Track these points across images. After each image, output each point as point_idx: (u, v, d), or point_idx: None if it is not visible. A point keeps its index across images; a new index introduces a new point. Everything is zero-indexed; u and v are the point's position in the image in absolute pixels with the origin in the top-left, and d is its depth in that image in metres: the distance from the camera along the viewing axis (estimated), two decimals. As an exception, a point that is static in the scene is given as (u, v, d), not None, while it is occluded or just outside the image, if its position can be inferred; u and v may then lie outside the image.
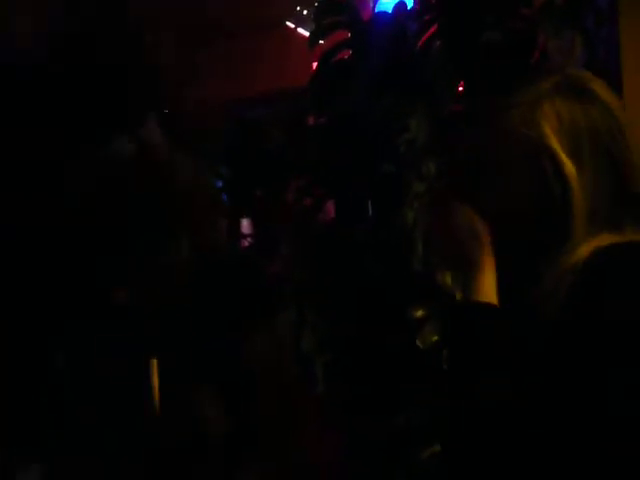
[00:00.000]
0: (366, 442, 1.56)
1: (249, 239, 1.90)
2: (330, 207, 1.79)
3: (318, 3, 1.50)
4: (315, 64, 1.72)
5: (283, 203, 1.85)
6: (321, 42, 1.62)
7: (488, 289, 0.79)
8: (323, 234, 1.76)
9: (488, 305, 0.78)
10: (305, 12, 2.34)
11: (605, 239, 0.75)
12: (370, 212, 1.67)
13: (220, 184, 1.86)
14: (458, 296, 1.34)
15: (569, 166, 0.75)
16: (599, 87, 0.79)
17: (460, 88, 1.66)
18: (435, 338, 1.43)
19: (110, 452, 1.05)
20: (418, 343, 1.45)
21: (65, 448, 1.02)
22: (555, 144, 0.76)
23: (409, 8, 1.77)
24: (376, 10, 2.43)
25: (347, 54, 1.59)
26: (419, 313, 1.48)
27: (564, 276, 0.74)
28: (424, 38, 1.70)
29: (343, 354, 1.58)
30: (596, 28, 1.50)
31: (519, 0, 1.56)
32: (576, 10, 1.48)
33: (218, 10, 3.54)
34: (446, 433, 0.83)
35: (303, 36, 2.39)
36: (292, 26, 2.44)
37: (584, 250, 0.74)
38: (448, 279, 1.41)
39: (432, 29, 1.70)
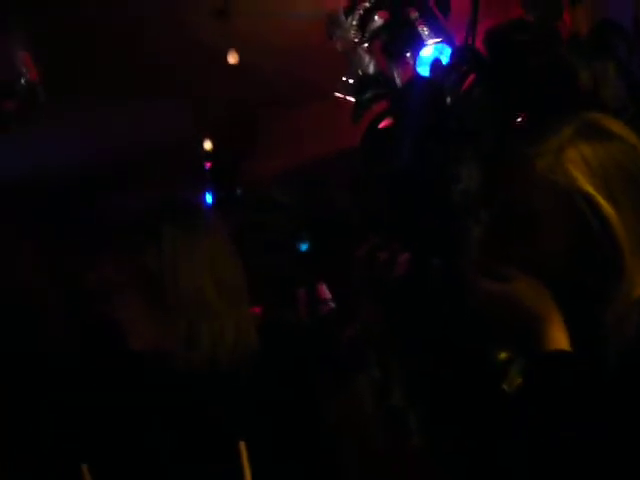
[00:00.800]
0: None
1: (329, 303, 1.98)
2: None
3: (355, 81, 1.61)
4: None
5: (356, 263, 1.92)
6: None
7: (561, 340, 0.80)
8: (400, 287, 1.82)
9: (566, 353, 0.79)
10: (350, 81, 2.47)
11: None
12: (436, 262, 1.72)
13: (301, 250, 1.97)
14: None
15: (606, 206, 0.78)
16: (617, 126, 0.84)
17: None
18: (519, 380, 1.44)
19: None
20: (504, 387, 1.47)
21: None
22: (588, 187, 0.79)
23: (445, 63, 1.86)
24: (417, 70, 2.54)
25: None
26: (502, 356, 1.50)
27: (629, 314, 0.75)
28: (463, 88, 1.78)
29: (434, 404, 1.62)
30: (628, 56, 1.53)
31: (551, 40, 1.61)
32: (604, 40, 1.52)
33: (277, 84, 3.79)
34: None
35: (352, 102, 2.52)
36: (341, 96, 2.59)
37: None
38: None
39: (469, 78, 1.78)
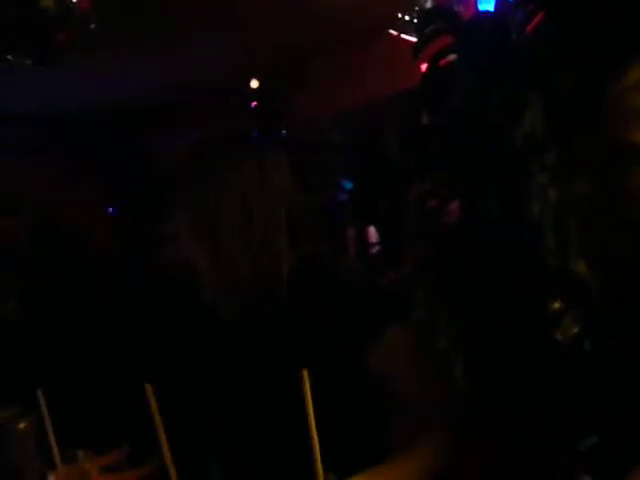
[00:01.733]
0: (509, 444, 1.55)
1: (377, 247, 1.97)
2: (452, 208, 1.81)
3: (421, 13, 1.54)
4: (423, 67, 1.75)
5: (407, 208, 1.89)
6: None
7: None
8: (451, 234, 1.79)
9: None
10: (407, 17, 2.37)
11: None
12: (495, 208, 1.67)
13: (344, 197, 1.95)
14: (594, 285, 1.33)
15: None
16: None
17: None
18: (575, 330, 1.41)
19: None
20: (558, 337, 1.45)
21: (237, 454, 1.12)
22: None
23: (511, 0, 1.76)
24: (479, 7, 2.43)
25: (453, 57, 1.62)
26: (556, 305, 1.47)
27: None
28: (530, 28, 1.69)
29: (481, 350, 1.60)
30: None
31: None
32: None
33: (330, 23, 3.66)
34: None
35: (408, 41, 2.43)
36: (395, 33, 2.48)
37: None
38: (583, 268, 1.39)
39: (537, 18, 1.68)
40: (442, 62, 1.60)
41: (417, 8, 2.31)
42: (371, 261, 1.86)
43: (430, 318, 1.65)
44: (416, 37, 1.56)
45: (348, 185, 1.97)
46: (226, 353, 1.09)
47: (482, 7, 2.27)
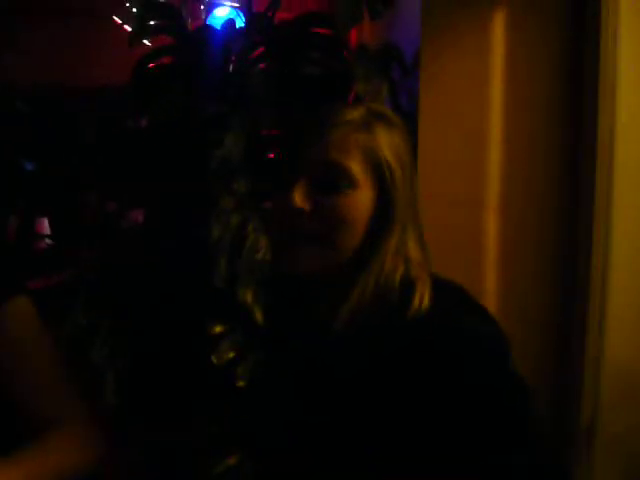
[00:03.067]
0: (160, 455, 1.52)
1: (47, 240, 1.76)
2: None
3: (144, 2, 1.45)
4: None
5: (87, 205, 1.75)
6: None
7: None
8: (127, 241, 1.70)
9: None
10: (135, 10, 2.24)
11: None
12: (176, 224, 1.64)
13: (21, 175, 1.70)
14: (257, 315, 1.38)
15: (399, 173, 0.87)
16: (395, 117, 0.93)
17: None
18: (231, 355, 1.45)
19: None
20: (213, 359, 1.46)
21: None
22: (389, 156, 0.87)
23: (238, 27, 1.80)
24: (207, 23, 2.44)
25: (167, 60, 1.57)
26: (217, 329, 1.49)
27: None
28: (249, 57, 1.74)
29: (138, 365, 1.53)
30: (402, 79, 1.66)
31: (339, 42, 1.66)
32: (385, 60, 1.62)
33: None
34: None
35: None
36: (119, 22, 2.33)
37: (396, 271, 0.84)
38: (249, 297, 1.44)
39: (258, 51, 1.75)
40: (155, 63, 1.54)
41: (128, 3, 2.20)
42: (34, 256, 1.64)
43: (88, 327, 1.53)
44: (135, 26, 1.47)
45: (28, 165, 1.73)
46: None
47: (211, 21, 2.27)
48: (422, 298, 0.81)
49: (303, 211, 0.84)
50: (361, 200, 0.85)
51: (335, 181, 0.84)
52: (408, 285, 0.83)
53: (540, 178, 1.46)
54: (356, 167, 0.84)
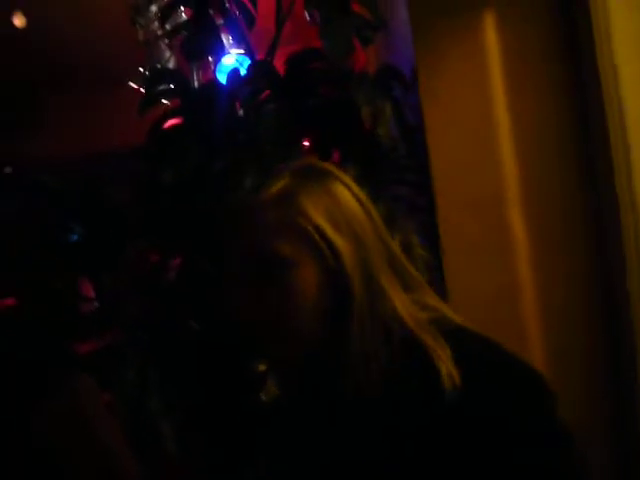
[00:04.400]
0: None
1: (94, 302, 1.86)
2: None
3: (148, 72, 1.54)
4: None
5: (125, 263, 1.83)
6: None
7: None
8: (168, 294, 1.77)
9: None
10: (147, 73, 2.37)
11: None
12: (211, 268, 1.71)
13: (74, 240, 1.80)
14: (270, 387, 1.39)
15: (335, 237, 0.80)
16: (340, 174, 0.88)
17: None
18: (277, 391, 1.49)
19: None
20: (262, 396, 1.50)
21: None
22: (320, 221, 0.80)
23: (242, 75, 1.88)
24: (217, 76, 2.54)
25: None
26: (261, 367, 1.53)
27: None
28: (256, 101, 1.81)
29: (193, 413, 1.59)
30: (404, 95, 1.69)
31: (341, 74, 1.71)
32: (385, 82, 1.65)
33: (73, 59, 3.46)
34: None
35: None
36: (135, 86, 2.46)
37: (407, 317, 0.78)
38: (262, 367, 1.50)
39: (263, 94, 1.82)
40: (168, 124, 1.62)
41: (148, 67, 2.31)
42: (82, 320, 1.74)
43: (140, 381, 1.60)
44: (144, 95, 1.56)
45: (74, 238, 1.85)
46: None
47: (219, 77, 2.36)
48: (452, 378, 0.74)
49: (249, 308, 0.80)
50: (303, 278, 0.79)
51: (269, 269, 0.79)
52: (419, 357, 0.76)
53: (554, 169, 1.46)
54: (285, 247, 0.79)
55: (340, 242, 0.80)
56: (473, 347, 0.80)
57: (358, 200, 0.85)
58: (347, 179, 0.87)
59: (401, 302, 0.81)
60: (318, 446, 0.84)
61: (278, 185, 0.83)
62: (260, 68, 1.84)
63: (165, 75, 1.55)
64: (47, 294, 1.70)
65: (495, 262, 1.43)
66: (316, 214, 0.80)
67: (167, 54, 2.42)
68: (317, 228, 0.80)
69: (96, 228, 1.90)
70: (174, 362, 1.57)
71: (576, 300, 1.41)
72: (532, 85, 1.48)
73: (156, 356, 1.57)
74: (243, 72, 1.91)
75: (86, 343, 1.58)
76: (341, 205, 0.82)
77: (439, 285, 1.42)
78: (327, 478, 0.81)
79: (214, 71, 2.37)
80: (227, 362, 1.52)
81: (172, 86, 1.57)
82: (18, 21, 2.78)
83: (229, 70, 1.91)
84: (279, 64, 1.81)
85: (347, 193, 0.84)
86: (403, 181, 1.62)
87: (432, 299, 0.87)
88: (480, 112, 1.49)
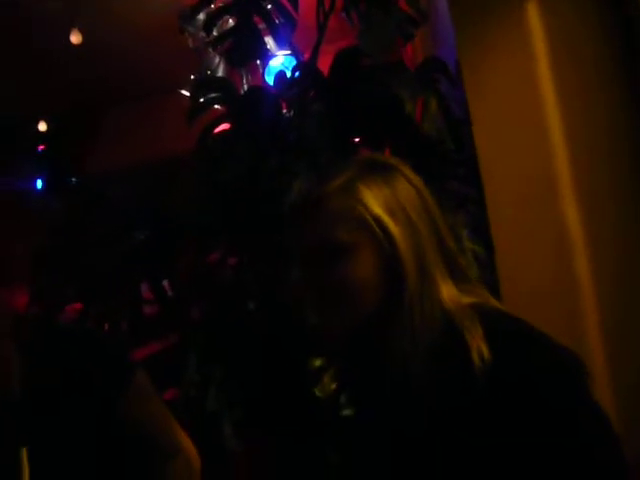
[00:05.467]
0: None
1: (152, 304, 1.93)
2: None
3: (194, 80, 1.59)
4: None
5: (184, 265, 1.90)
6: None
7: None
8: (227, 290, 1.82)
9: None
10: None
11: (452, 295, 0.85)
12: (268, 267, 1.75)
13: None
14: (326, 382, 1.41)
15: (393, 227, 0.87)
16: (402, 166, 0.93)
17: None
18: (333, 386, 1.51)
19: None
20: (317, 392, 1.53)
21: None
22: (378, 210, 0.87)
23: (288, 77, 1.91)
24: (266, 75, 2.58)
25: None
26: (317, 363, 1.56)
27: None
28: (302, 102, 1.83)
29: (252, 410, 1.64)
30: (450, 88, 1.68)
31: (385, 70, 1.71)
32: (429, 75, 1.65)
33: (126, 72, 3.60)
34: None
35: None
36: (187, 93, 2.52)
37: (449, 302, 0.84)
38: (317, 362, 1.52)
39: (309, 95, 1.84)
40: (218, 129, 1.67)
41: (208, 72, 2.39)
42: (144, 322, 1.82)
43: (202, 380, 1.66)
44: (190, 104, 1.61)
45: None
46: None
47: (268, 79, 2.40)
48: (480, 353, 0.79)
49: (312, 288, 0.88)
50: (360, 262, 0.86)
51: (329, 254, 0.87)
52: (455, 336, 0.82)
53: (606, 158, 1.42)
54: (342, 234, 0.86)
55: (395, 230, 0.87)
56: (505, 325, 0.85)
57: (417, 191, 0.91)
58: (408, 171, 0.92)
59: (446, 287, 0.87)
60: (374, 423, 0.91)
61: (342, 177, 0.90)
62: (305, 68, 1.86)
63: (211, 82, 1.59)
64: (111, 298, 1.79)
65: (549, 256, 1.40)
66: (375, 204, 0.87)
67: (216, 60, 2.47)
68: (374, 217, 0.87)
69: (156, 233, 1.97)
70: (236, 359, 1.62)
71: (633, 292, 1.37)
72: (580, 73, 1.44)
73: (218, 354, 1.62)
74: (289, 74, 1.94)
75: (148, 346, 1.65)
76: (399, 195, 0.89)
77: (489, 280, 1.41)
78: (382, 452, 0.88)
79: (262, 74, 2.41)
80: (286, 359, 1.55)
81: (219, 93, 1.61)
82: (75, 38, 2.91)
83: (276, 72, 1.94)
84: (327, 60, 1.83)
85: (406, 184, 0.91)
86: (452, 175, 1.61)
87: (479, 291, 0.91)
88: (527, 103, 1.46)
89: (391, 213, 0.87)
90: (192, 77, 2.60)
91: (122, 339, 1.61)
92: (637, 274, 1.38)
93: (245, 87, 1.89)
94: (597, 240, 1.39)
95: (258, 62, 2.51)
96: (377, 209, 0.87)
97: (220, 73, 2.50)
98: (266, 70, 2.55)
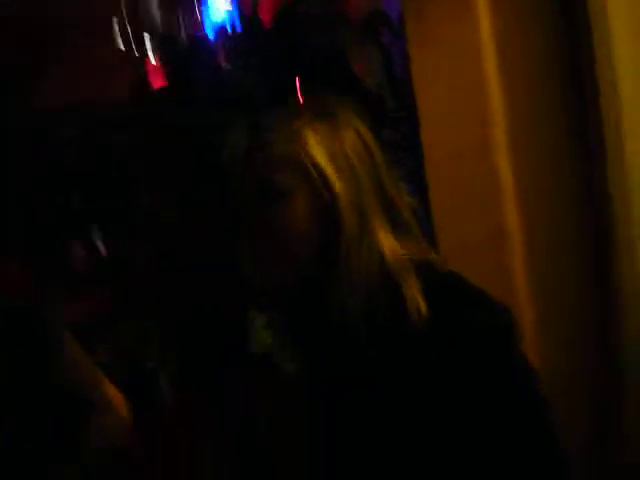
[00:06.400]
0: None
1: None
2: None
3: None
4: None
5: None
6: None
7: None
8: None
9: None
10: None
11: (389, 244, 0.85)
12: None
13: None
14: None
15: (334, 177, 0.85)
16: (350, 113, 0.91)
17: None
18: (269, 341, 1.51)
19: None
20: (256, 347, 1.53)
21: None
22: (320, 160, 0.86)
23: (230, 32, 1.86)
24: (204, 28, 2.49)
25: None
26: (254, 316, 1.56)
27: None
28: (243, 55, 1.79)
29: (186, 365, 1.63)
30: (392, 41, 1.66)
31: (337, 22, 1.68)
32: (373, 27, 1.62)
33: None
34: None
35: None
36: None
37: (388, 254, 0.84)
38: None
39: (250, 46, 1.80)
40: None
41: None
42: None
43: (137, 335, 1.64)
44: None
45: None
46: None
47: (208, 32, 2.32)
48: (417, 307, 0.81)
49: (246, 237, 0.87)
50: (297, 207, 0.86)
51: (266, 198, 0.86)
52: (393, 288, 0.82)
53: (543, 116, 1.43)
54: (281, 178, 0.85)
55: (336, 181, 0.85)
56: (443, 280, 0.86)
57: (363, 143, 0.89)
58: (357, 122, 0.90)
59: (387, 239, 0.87)
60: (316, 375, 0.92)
61: (289, 122, 0.88)
62: (246, 21, 1.81)
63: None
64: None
65: (482, 208, 1.42)
66: (317, 152, 0.86)
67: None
68: (315, 165, 0.85)
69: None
70: (172, 314, 1.60)
71: (563, 245, 1.41)
72: (522, 31, 1.44)
73: (155, 309, 1.60)
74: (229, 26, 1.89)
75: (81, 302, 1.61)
76: (344, 146, 0.87)
77: (426, 232, 1.42)
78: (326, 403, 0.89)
79: (202, 26, 2.33)
80: (221, 313, 1.54)
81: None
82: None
83: (216, 24, 1.88)
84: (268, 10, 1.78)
85: (353, 135, 0.89)
86: (392, 128, 1.61)
87: (419, 244, 0.91)
88: (468, 55, 1.46)
89: (333, 160, 0.86)
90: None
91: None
92: (568, 228, 1.42)
93: (183, 34, 1.82)
94: (529, 192, 1.42)
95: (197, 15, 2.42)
96: (319, 155, 0.86)
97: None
98: (205, 23, 2.46)
